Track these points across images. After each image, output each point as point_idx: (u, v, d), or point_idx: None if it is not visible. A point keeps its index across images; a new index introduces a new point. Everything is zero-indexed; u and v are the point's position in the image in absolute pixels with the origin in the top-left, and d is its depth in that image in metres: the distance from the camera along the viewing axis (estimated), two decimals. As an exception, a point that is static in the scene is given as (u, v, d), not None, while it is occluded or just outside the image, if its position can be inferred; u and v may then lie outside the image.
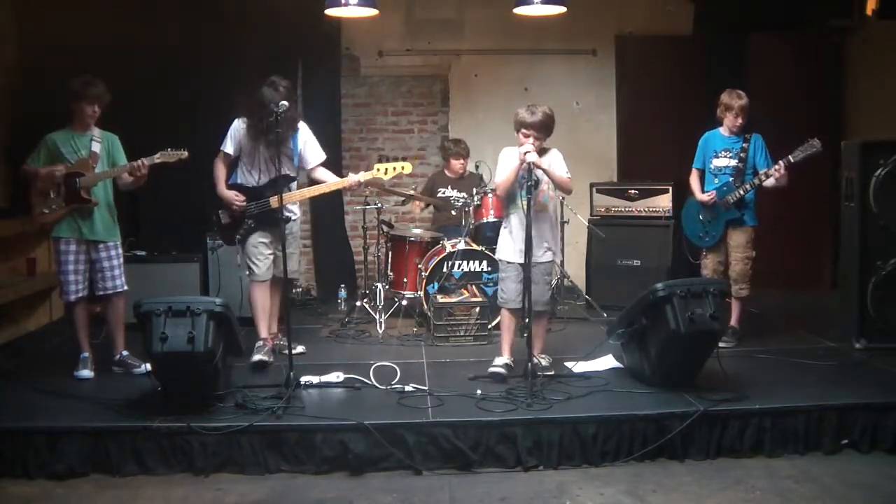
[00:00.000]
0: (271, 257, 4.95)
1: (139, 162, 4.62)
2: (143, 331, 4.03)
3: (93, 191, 4.64)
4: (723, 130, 5.28)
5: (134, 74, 5.98)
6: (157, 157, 4.64)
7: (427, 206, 6.82)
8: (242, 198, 4.90)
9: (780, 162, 4.99)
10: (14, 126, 6.16)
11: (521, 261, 4.49)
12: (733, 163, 5.21)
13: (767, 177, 5.01)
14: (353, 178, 4.97)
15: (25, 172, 4.64)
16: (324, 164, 5.11)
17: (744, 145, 5.17)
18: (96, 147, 4.68)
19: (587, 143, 7.35)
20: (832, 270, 7.18)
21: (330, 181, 5.03)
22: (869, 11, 5.55)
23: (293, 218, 5.06)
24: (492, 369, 4.57)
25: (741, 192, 5.12)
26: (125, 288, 4.79)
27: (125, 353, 4.81)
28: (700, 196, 5.31)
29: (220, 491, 3.72)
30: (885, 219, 5.08)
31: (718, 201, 5.21)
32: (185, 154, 4.69)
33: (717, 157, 5.28)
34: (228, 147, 4.94)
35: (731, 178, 5.19)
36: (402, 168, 5.01)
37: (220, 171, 4.96)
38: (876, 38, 6.79)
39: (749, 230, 5.22)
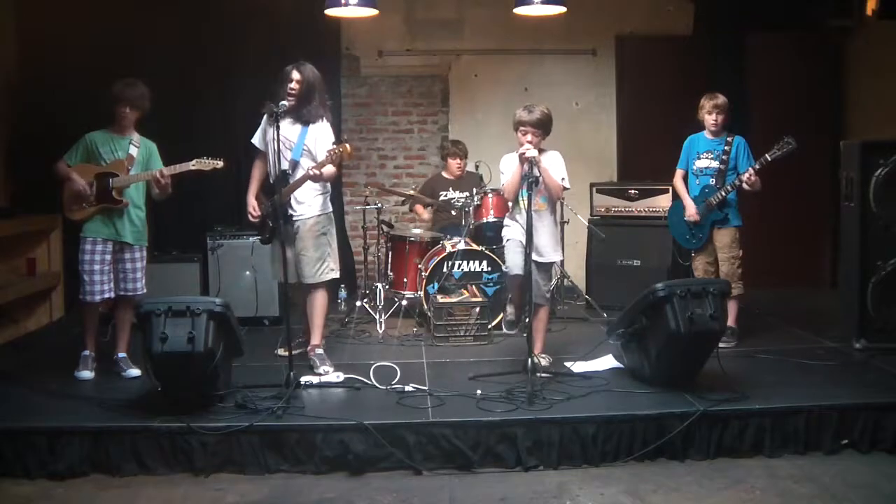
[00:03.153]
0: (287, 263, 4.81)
1: (159, 171, 4.61)
2: (143, 331, 4.03)
3: (125, 192, 4.66)
4: (706, 133, 5.33)
5: (133, 75, 5.97)
6: (193, 164, 4.63)
7: (426, 206, 6.80)
8: (256, 212, 4.84)
9: (756, 164, 5.03)
10: (14, 126, 6.17)
11: (522, 240, 4.59)
12: (715, 164, 5.25)
13: (741, 181, 5.06)
14: (311, 171, 4.61)
15: (59, 171, 4.63)
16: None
17: (726, 147, 5.22)
18: (134, 151, 4.70)
19: (587, 143, 7.35)
20: (832, 270, 7.19)
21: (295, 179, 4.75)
22: (869, 11, 5.57)
23: (298, 216, 4.78)
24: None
25: (723, 194, 5.16)
26: (144, 291, 4.79)
27: (122, 354, 4.80)
28: (687, 204, 5.35)
29: (220, 491, 3.72)
30: (885, 219, 5.08)
31: (701, 206, 5.26)
32: (221, 163, 4.67)
33: (699, 158, 5.33)
34: (255, 138, 4.89)
35: (711, 180, 5.24)
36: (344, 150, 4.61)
37: (255, 170, 4.90)
38: (876, 38, 6.79)
39: (733, 230, 5.25)
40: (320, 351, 4.88)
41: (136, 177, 4.67)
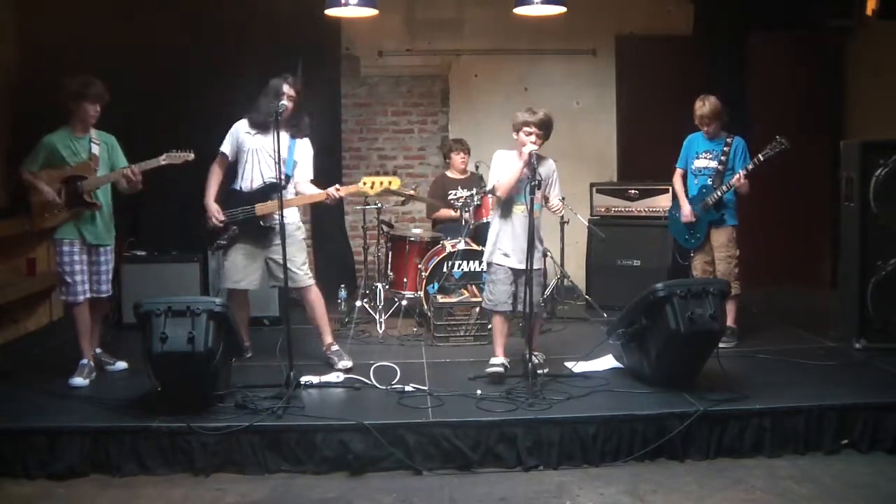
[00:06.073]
0: (258, 270, 4.88)
1: (129, 169, 4.59)
2: (143, 331, 4.03)
3: (94, 194, 4.63)
4: (704, 133, 5.33)
5: (135, 75, 5.98)
6: (163, 160, 4.61)
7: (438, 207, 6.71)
8: (221, 218, 4.83)
9: (750, 164, 5.05)
10: (14, 126, 6.16)
11: (513, 265, 4.53)
12: (713, 164, 5.26)
13: (738, 181, 5.07)
14: (332, 191, 4.76)
15: (24, 179, 4.61)
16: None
17: (725, 148, 5.23)
18: (96, 149, 4.65)
19: (587, 143, 7.35)
20: (832, 270, 7.19)
21: (308, 194, 4.86)
22: (869, 11, 5.56)
23: (286, 223, 4.73)
24: (490, 369, 4.57)
25: (718, 194, 5.17)
26: (111, 292, 4.84)
27: (98, 350, 4.82)
28: (682, 203, 5.37)
29: (220, 491, 3.72)
30: (885, 219, 5.09)
31: (698, 207, 5.28)
32: (192, 156, 4.65)
33: (698, 158, 5.34)
34: (225, 146, 4.92)
35: (709, 180, 5.26)
36: (390, 183, 4.81)
37: (213, 176, 4.93)
38: (876, 38, 6.79)
39: (729, 230, 5.26)
40: (336, 347, 4.96)
41: (106, 177, 4.63)
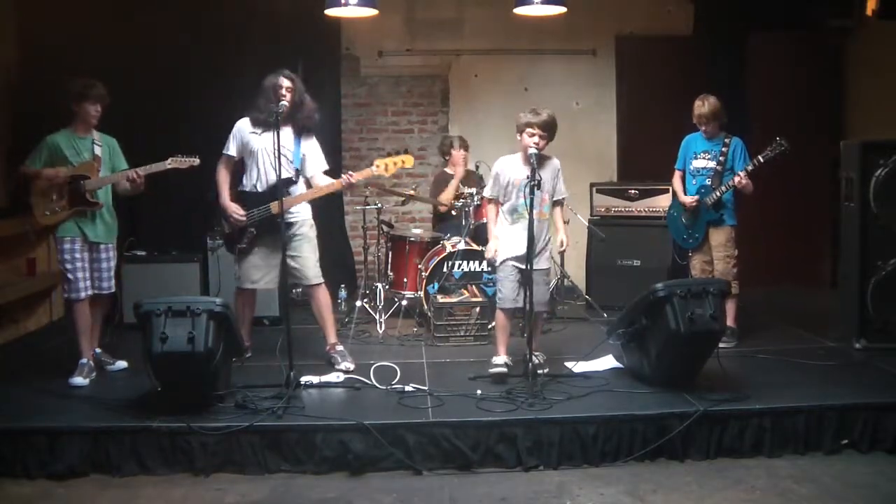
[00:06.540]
0: (275, 269, 4.85)
1: (134, 171, 4.62)
2: (143, 331, 4.03)
3: (95, 193, 4.65)
4: (703, 134, 5.33)
5: (135, 75, 5.98)
6: (169, 163, 4.62)
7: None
8: (243, 213, 4.81)
9: (749, 165, 5.05)
10: (14, 126, 6.17)
11: (521, 265, 4.52)
12: (712, 164, 5.26)
13: (738, 181, 5.05)
14: (345, 178, 4.79)
15: (25, 173, 4.62)
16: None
17: (723, 149, 5.23)
18: (98, 150, 4.68)
19: (587, 143, 7.35)
20: (832, 270, 7.20)
21: (323, 184, 4.87)
22: (869, 11, 5.57)
23: (296, 220, 4.87)
24: (493, 369, 4.57)
25: (717, 195, 5.17)
26: (113, 289, 4.86)
27: (98, 350, 4.83)
28: (682, 198, 5.37)
29: (220, 491, 3.73)
30: (885, 219, 5.09)
31: (699, 203, 5.28)
32: (197, 161, 4.67)
33: (696, 158, 5.34)
34: (230, 149, 4.90)
35: (708, 180, 5.25)
36: (403, 162, 4.81)
37: (223, 177, 4.90)
38: (876, 38, 6.79)
39: (728, 229, 5.26)
40: (340, 347, 4.95)
41: (109, 178, 4.66)
